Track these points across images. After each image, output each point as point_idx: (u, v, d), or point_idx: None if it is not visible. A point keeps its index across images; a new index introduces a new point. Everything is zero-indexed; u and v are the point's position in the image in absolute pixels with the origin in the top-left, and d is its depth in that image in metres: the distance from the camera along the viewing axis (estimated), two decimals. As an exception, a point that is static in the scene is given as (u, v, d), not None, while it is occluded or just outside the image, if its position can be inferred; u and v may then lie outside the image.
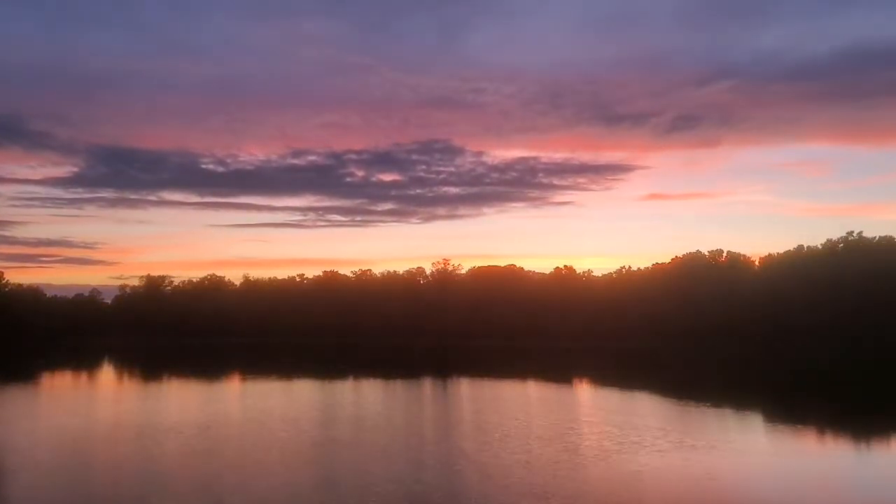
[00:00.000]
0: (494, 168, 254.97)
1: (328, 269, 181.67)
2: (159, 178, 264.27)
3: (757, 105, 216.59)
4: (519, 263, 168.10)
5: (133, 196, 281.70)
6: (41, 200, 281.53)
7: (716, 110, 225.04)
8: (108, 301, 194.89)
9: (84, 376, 79.17)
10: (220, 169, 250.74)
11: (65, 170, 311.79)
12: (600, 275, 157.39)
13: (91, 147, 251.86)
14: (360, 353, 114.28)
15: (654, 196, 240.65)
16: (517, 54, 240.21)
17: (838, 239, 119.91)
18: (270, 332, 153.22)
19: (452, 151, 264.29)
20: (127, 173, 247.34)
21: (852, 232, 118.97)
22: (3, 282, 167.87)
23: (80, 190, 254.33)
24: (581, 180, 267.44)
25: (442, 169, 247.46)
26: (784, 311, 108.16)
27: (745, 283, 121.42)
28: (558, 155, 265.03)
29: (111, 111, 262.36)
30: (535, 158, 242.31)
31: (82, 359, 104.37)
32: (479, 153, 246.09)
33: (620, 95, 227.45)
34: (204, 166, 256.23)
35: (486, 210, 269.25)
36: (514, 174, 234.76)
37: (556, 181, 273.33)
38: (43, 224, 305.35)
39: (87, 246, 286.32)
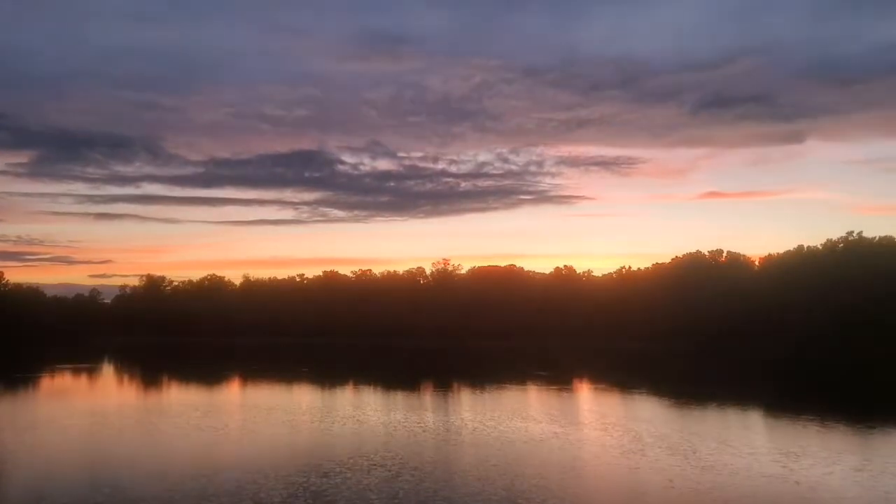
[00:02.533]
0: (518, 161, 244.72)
1: (328, 269, 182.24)
2: (131, 166, 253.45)
3: (853, 99, 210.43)
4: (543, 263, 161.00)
5: (112, 189, 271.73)
6: (9, 195, 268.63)
7: (808, 104, 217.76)
8: (108, 301, 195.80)
9: (123, 379, 79.18)
10: (195, 157, 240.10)
11: (25, 155, 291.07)
12: (600, 275, 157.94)
13: (46, 129, 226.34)
14: (374, 354, 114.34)
15: (711, 194, 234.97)
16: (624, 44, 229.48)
17: (838, 239, 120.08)
18: (271, 333, 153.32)
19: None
20: (93, 160, 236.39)
21: (852, 232, 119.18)
22: (3, 281, 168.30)
23: (46, 179, 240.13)
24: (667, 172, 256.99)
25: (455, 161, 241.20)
26: (782, 310, 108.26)
27: (745, 284, 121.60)
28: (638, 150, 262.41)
29: (57, 88, 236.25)
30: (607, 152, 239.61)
31: (97, 359, 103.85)
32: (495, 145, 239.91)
33: (715, 87, 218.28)
34: (173, 152, 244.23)
35: (494, 204, 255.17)
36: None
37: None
38: (20, 223, 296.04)
39: (71, 244, 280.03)
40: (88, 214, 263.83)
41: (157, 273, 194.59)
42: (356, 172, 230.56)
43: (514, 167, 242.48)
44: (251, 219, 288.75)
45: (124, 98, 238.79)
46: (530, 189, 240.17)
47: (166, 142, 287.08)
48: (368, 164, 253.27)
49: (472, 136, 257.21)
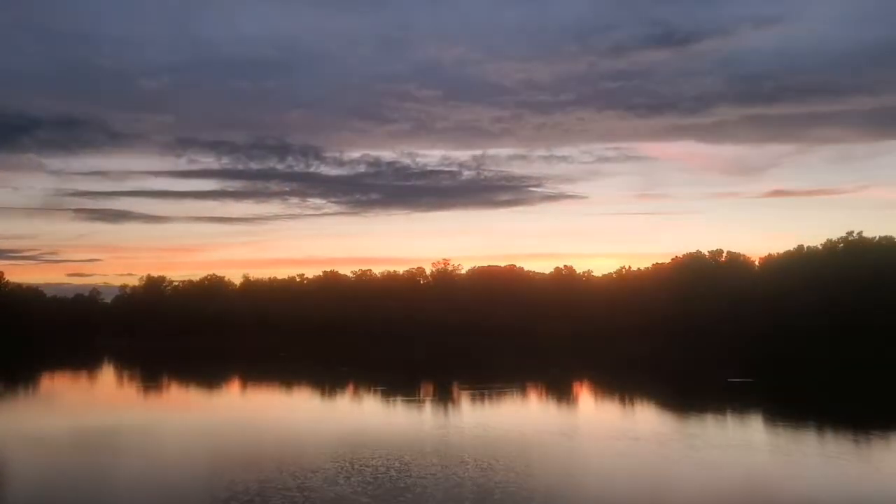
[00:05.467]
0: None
1: (328, 270, 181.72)
2: (91, 147, 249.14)
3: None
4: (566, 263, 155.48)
5: (82, 182, 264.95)
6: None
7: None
8: (108, 301, 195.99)
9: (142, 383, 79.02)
10: (159, 137, 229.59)
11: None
12: (600, 275, 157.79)
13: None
14: (376, 356, 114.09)
15: (777, 192, 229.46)
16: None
17: (838, 239, 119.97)
18: (272, 333, 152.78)
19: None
20: (48, 142, 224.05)
21: (852, 232, 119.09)
22: (4, 282, 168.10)
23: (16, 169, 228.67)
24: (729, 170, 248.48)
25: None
26: (782, 311, 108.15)
27: (745, 284, 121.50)
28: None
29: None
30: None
31: (97, 362, 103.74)
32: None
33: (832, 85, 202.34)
34: (128, 131, 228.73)
35: (501, 197, 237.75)
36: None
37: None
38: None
39: (58, 242, 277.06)
40: (67, 210, 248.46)
41: (145, 272, 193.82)
42: (347, 160, 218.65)
43: (519, 154, 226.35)
44: (239, 215, 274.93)
45: (63, 57, 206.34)
46: (540, 180, 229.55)
47: (116, 118, 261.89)
48: (358, 151, 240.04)
49: (473, 109, 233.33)
